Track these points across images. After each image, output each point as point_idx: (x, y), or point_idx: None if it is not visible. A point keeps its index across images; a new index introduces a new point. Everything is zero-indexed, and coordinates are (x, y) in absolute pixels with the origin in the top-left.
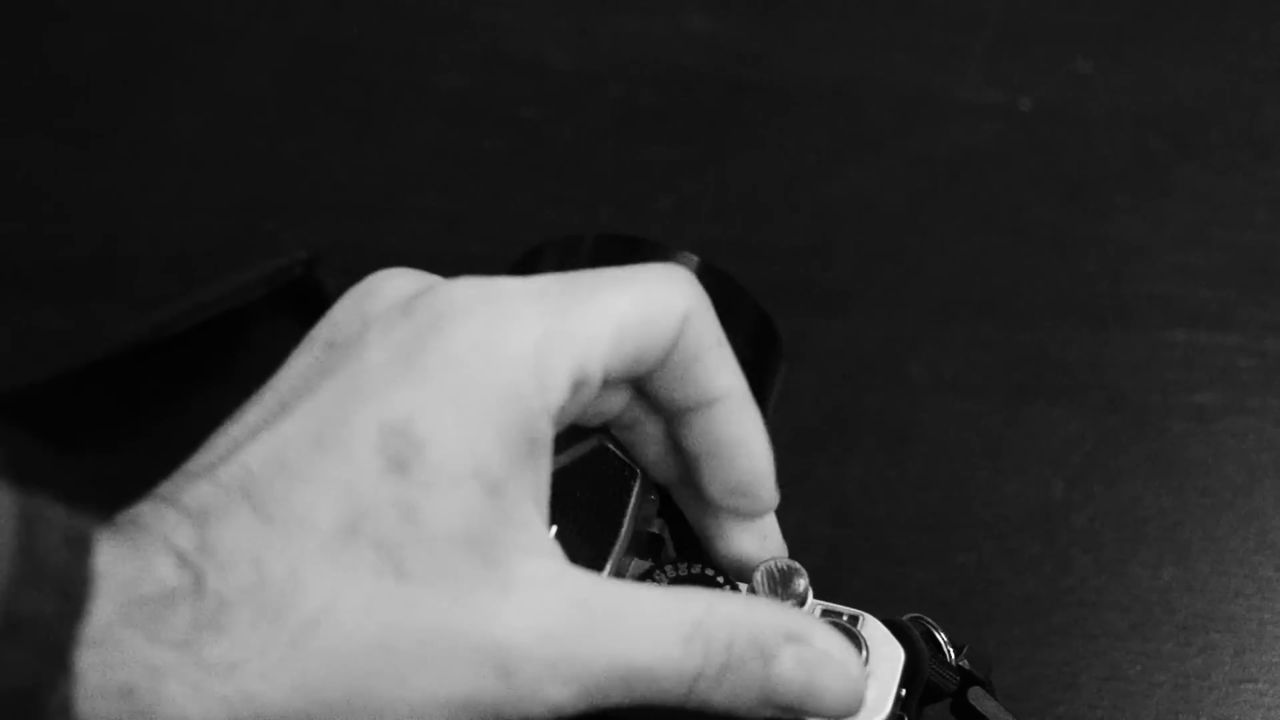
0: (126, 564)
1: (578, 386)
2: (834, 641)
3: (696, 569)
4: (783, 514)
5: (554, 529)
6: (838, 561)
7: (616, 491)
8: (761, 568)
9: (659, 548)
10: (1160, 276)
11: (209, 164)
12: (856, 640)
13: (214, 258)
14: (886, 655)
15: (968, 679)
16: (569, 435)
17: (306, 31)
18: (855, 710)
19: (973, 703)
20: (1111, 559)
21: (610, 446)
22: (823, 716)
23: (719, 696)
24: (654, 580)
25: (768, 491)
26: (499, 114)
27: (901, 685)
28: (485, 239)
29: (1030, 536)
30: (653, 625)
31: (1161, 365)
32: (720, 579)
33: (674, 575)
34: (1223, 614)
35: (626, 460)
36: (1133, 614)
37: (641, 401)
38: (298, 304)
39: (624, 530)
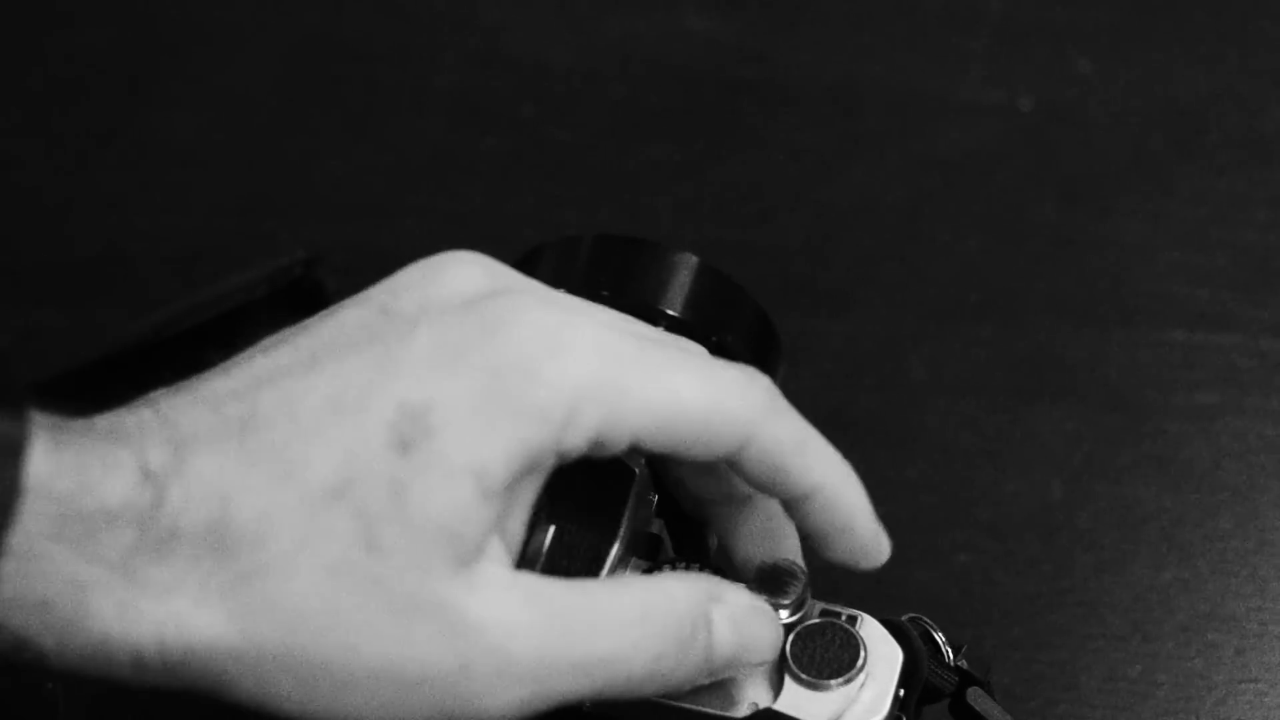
0: (68, 477)
1: (598, 446)
2: (743, 592)
3: (695, 568)
4: None
5: (552, 529)
6: None
7: (615, 491)
8: (759, 567)
9: (658, 547)
10: (1160, 276)
11: (209, 164)
12: (854, 641)
13: (214, 258)
14: (884, 656)
15: (966, 679)
16: None
17: (306, 31)
18: (777, 653)
19: (971, 703)
20: (1111, 559)
21: None
22: (751, 666)
23: (679, 675)
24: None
25: (879, 554)
26: (499, 114)
27: (899, 686)
28: (485, 239)
29: (1030, 536)
30: (608, 615)
31: (1161, 365)
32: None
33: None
34: (1223, 614)
35: (625, 460)
36: (1133, 614)
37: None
38: (298, 304)
39: (622, 529)
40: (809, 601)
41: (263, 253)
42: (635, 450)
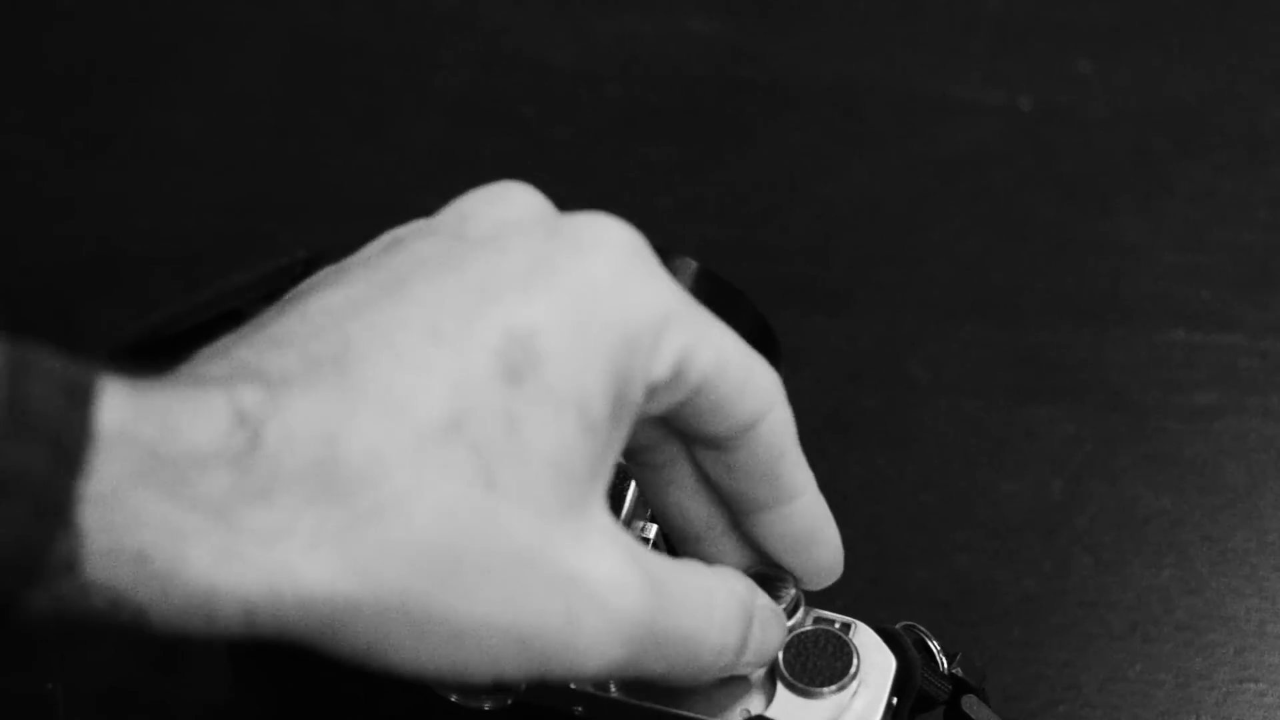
0: (152, 421)
1: (674, 378)
2: (763, 593)
3: None
4: None
5: None
6: None
7: (613, 490)
8: (751, 573)
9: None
10: (1160, 276)
11: (209, 164)
12: (847, 649)
13: (214, 258)
14: (878, 663)
15: (961, 687)
16: None
17: (307, 32)
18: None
19: (966, 711)
20: (1111, 559)
21: None
22: (754, 669)
23: (721, 664)
24: None
25: (836, 572)
26: (499, 114)
27: (893, 694)
28: None
29: (1030, 536)
30: (702, 597)
31: (1161, 365)
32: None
33: None
34: (1223, 614)
35: (623, 464)
36: (1133, 614)
37: (677, 444)
38: None
39: None
40: (802, 608)
41: (263, 253)
42: (674, 409)
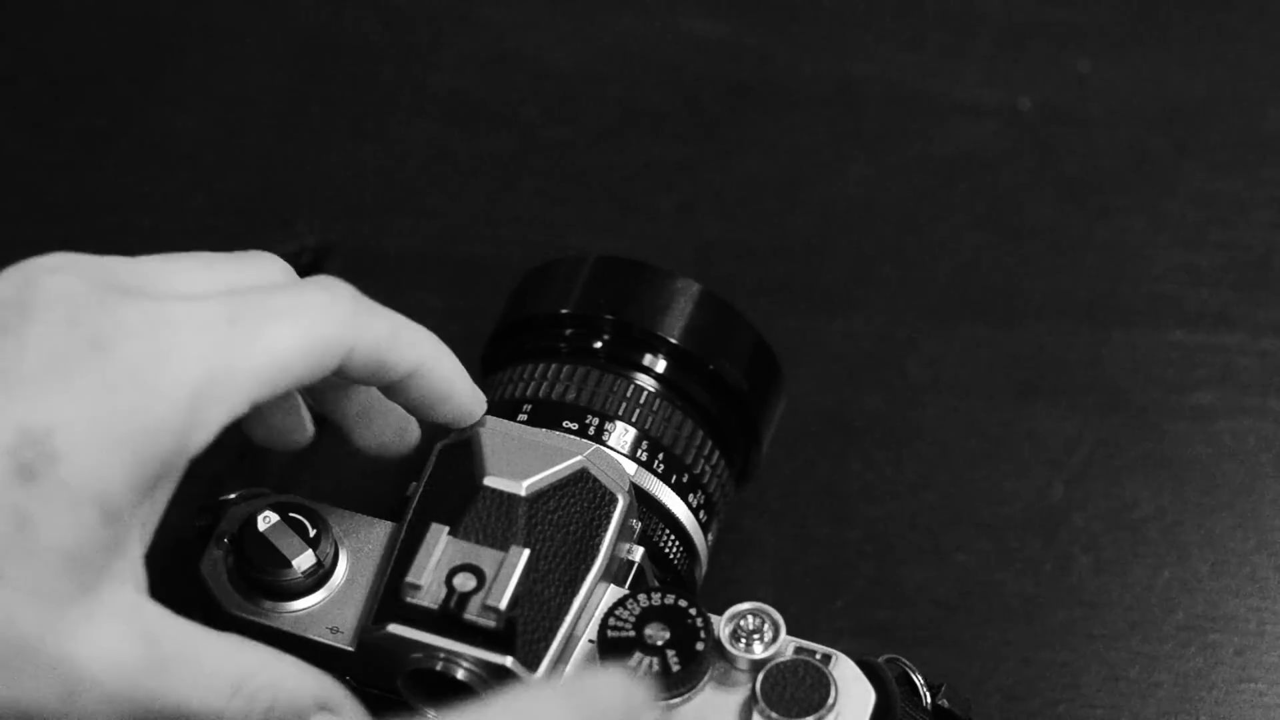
0: None
1: (228, 422)
2: (360, 716)
3: (670, 599)
4: (783, 514)
5: (526, 551)
6: (838, 561)
7: (596, 516)
8: (728, 614)
9: (640, 577)
10: (1160, 276)
11: (209, 164)
12: (825, 680)
13: None
14: (856, 695)
15: (946, 718)
16: (549, 455)
17: (307, 31)
18: None
19: None
20: (1111, 559)
21: (592, 471)
22: None
23: None
24: (624, 607)
25: (478, 408)
26: (499, 114)
27: None
28: (485, 239)
29: (1030, 536)
30: (208, 673)
31: (1161, 365)
32: (694, 610)
33: (645, 605)
34: (1223, 614)
35: (608, 486)
36: (1133, 614)
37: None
38: None
39: (600, 556)
40: (783, 638)
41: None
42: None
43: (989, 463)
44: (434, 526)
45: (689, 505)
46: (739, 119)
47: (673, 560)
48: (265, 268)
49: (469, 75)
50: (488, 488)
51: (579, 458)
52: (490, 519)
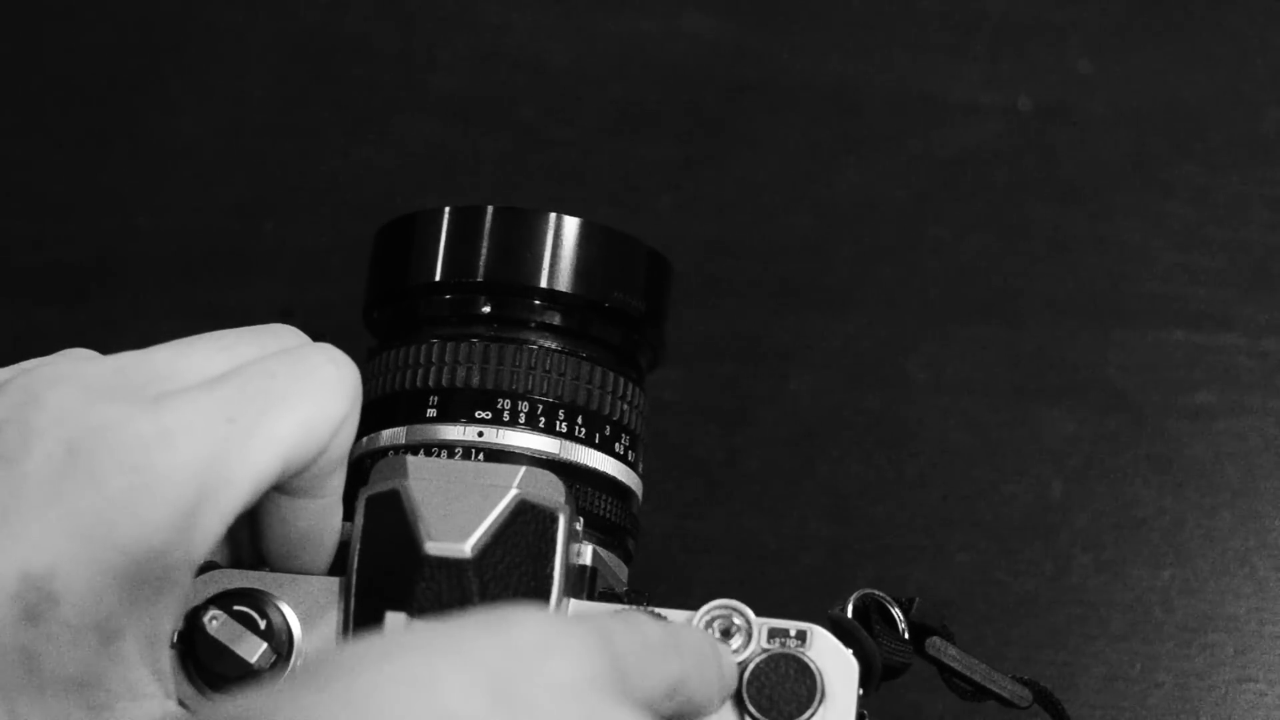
0: None
1: (230, 523)
2: None
3: (645, 603)
4: (783, 514)
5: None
6: (838, 561)
7: (542, 540)
8: (703, 610)
9: (594, 578)
10: (1160, 276)
11: (209, 164)
12: (809, 670)
13: (214, 258)
14: (840, 671)
15: (923, 632)
16: (482, 497)
17: (306, 31)
18: None
19: (931, 654)
20: (1111, 559)
21: (529, 500)
22: None
23: None
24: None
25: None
26: (499, 114)
27: (859, 688)
28: None
29: (1030, 536)
30: None
31: (1161, 365)
32: (658, 613)
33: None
34: (1223, 614)
35: (546, 506)
36: (1133, 614)
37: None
38: None
39: (556, 579)
40: (755, 620)
41: (262, 252)
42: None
43: (989, 463)
44: (390, 616)
45: (616, 455)
46: (739, 119)
47: (608, 518)
48: (283, 342)
49: (469, 75)
50: (431, 557)
51: (513, 491)
52: (442, 590)
